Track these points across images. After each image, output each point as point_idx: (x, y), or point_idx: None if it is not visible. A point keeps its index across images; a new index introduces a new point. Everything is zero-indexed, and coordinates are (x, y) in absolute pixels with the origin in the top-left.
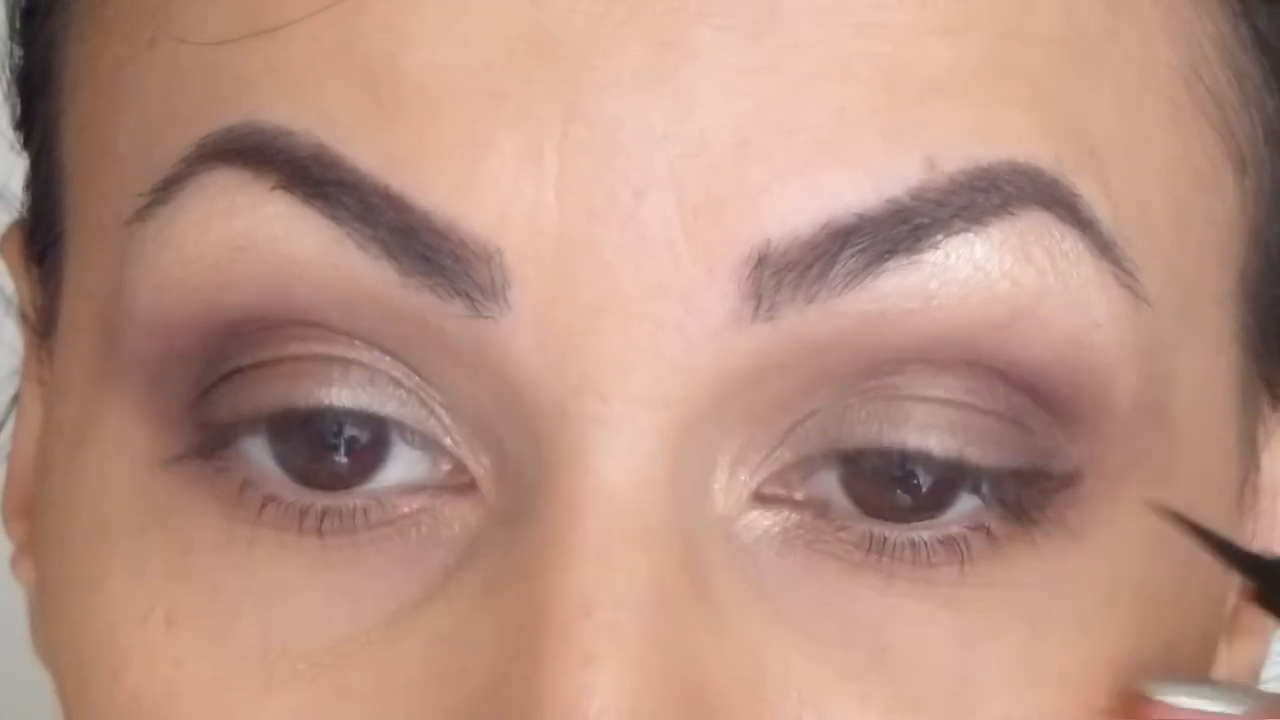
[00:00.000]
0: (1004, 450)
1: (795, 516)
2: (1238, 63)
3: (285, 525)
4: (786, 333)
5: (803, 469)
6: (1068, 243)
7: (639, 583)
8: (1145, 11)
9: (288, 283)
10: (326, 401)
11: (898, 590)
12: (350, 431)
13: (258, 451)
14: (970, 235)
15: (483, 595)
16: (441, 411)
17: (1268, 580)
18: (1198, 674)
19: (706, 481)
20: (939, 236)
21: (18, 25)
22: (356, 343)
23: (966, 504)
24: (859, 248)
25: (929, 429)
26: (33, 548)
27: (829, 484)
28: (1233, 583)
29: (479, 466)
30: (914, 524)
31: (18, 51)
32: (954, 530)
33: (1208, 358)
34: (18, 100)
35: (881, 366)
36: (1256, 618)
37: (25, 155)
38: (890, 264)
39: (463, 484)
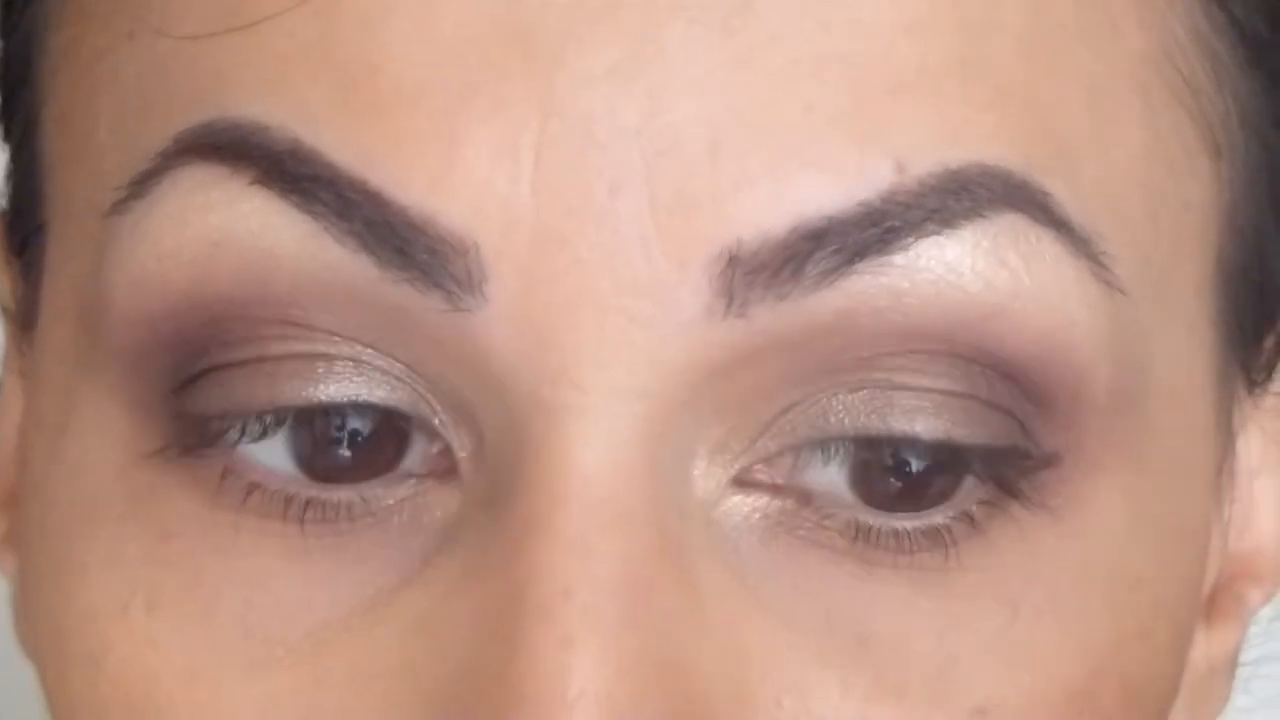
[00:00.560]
0: (988, 428)
1: (777, 503)
2: (1211, 47)
3: (269, 513)
4: (759, 328)
5: (788, 458)
6: (1043, 244)
7: (617, 567)
8: (1115, 0)
9: (266, 276)
10: (317, 398)
11: (878, 578)
12: (354, 424)
13: (252, 447)
14: (941, 238)
15: (461, 580)
16: (429, 396)
17: None
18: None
19: (686, 469)
20: (910, 239)
21: None
22: (336, 338)
23: (959, 487)
24: (830, 249)
25: (915, 413)
26: (14, 538)
27: (814, 472)
28: (1210, 569)
29: (461, 450)
30: (899, 513)
31: None
32: (938, 520)
33: (1185, 344)
34: None
35: (859, 359)
36: (1234, 604)
37: (4, 147)
38: (860, 265)
39: (445, 470)
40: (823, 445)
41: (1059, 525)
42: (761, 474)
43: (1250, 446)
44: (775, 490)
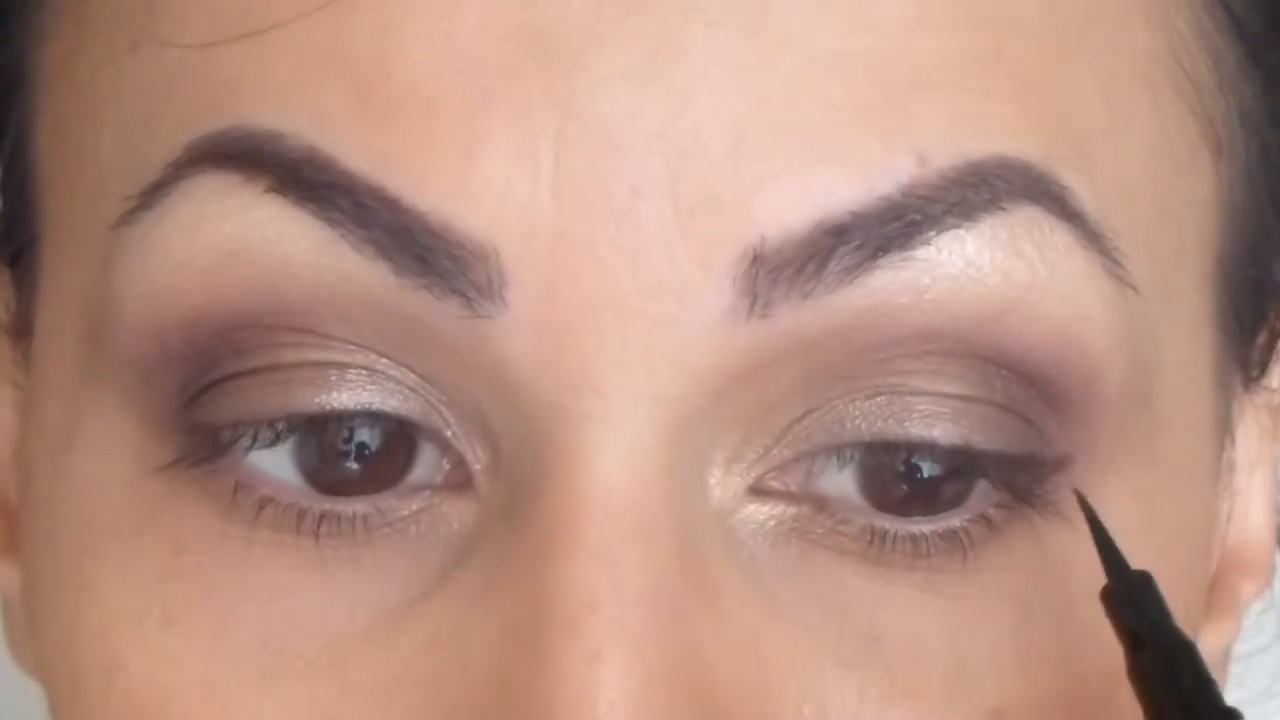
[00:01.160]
0: (1005, 434)
1: (792, 510)
2: (1213, 46)
3: (282, 526)
4: (782, 329)
5: (804, 465)
6: (1057, 235)
7: (640, 578)
8: None
9: (281, 285)
10: (329, 406)
11: (890, 579)
12: (361, 436)
13: (262, 458)
14: (961, 231)
15: (483, 591)
16: (441, 407)
17: (1119, 582)
18: None
19: (703, 476)
20: (931, 233)
21: None
22: (350, 346)
23: (972, 491)
24: (853, 245)
25: (933, 419)
26: (12, 550)
27: (829, 478)
28: (1211, 567)
29: (476, 462)
30: (915, 518)
31: None
32: (955, 523)
33: (1189, 341)
34: None
35: (877, 362)
36: (1227, 597)
37: None
38: (883, 261)
39: (459, 481)
40: (838, 451)
41: (1070, 528)
42: (776, 481)
43: (1247, 439)
44: (790, 498)
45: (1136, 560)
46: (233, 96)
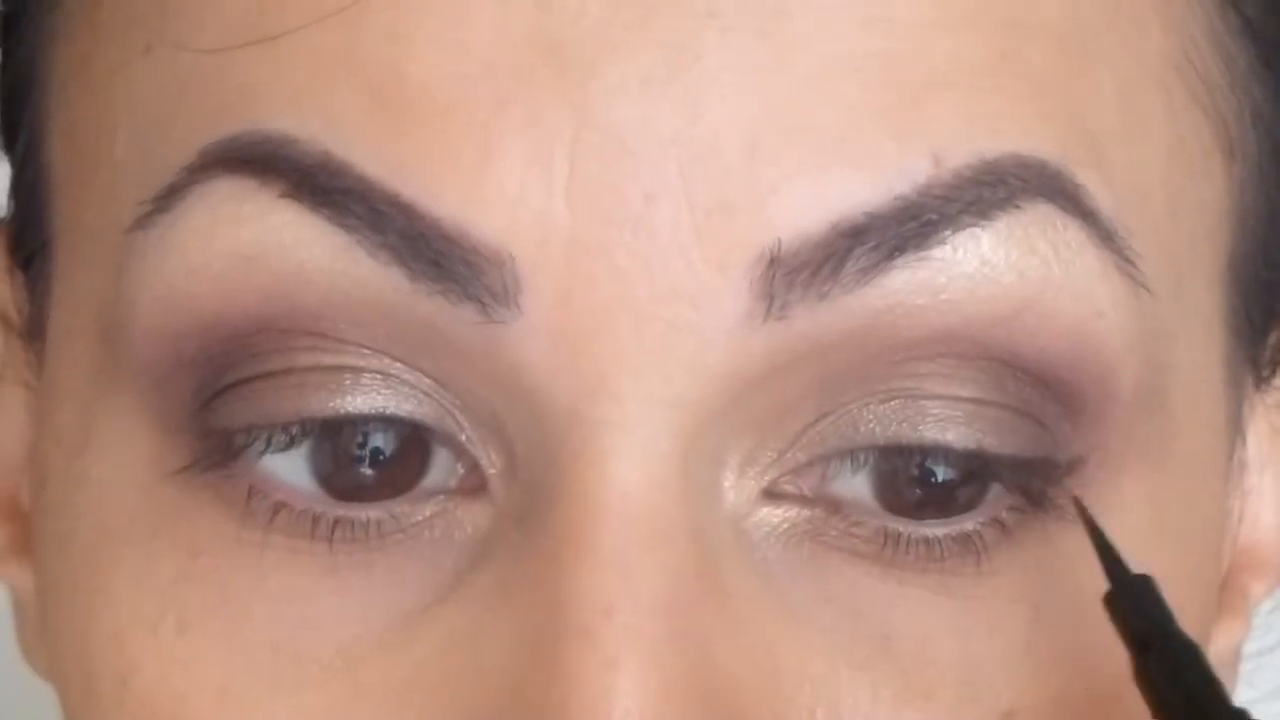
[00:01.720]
0: (1018, 437)
1: (806, 513)
2: (1226, 49)
3: (296, 532)
4: (798, 331)
5: (817, 469)
6: (1070, 233)
7: (656, 584)
8: (1140, 1)
9: (295, 290)
10: (343, 409)
11: (903, 581)
12: (376, 441)
13: (276, 463)
14: (977, 230)
15: (497, 596)
16: (456, 412)
17: (1121, 586)
18: None
19: (717, 480)
20: (947, 232)
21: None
22: (365, 351)
23: (985, 494)
24: (869, 246)
25: (947, 423)
26: (22, 551)
27: (842, 482)
28: (1223, 567)
29: (491, 467)
30: (929, 521)
31: None
32: (969, 526)
33: (1201, 342)
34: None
35: (891, 365)
36: (1238, 597)
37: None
38: (899, 261)
39: (474, 486)
40: (852, 454)
41: (1081, 529)
42: (790, 485)
43: (1258, 439)
44: (804, 501)
45: (1148, 561)
46: (246, 101)
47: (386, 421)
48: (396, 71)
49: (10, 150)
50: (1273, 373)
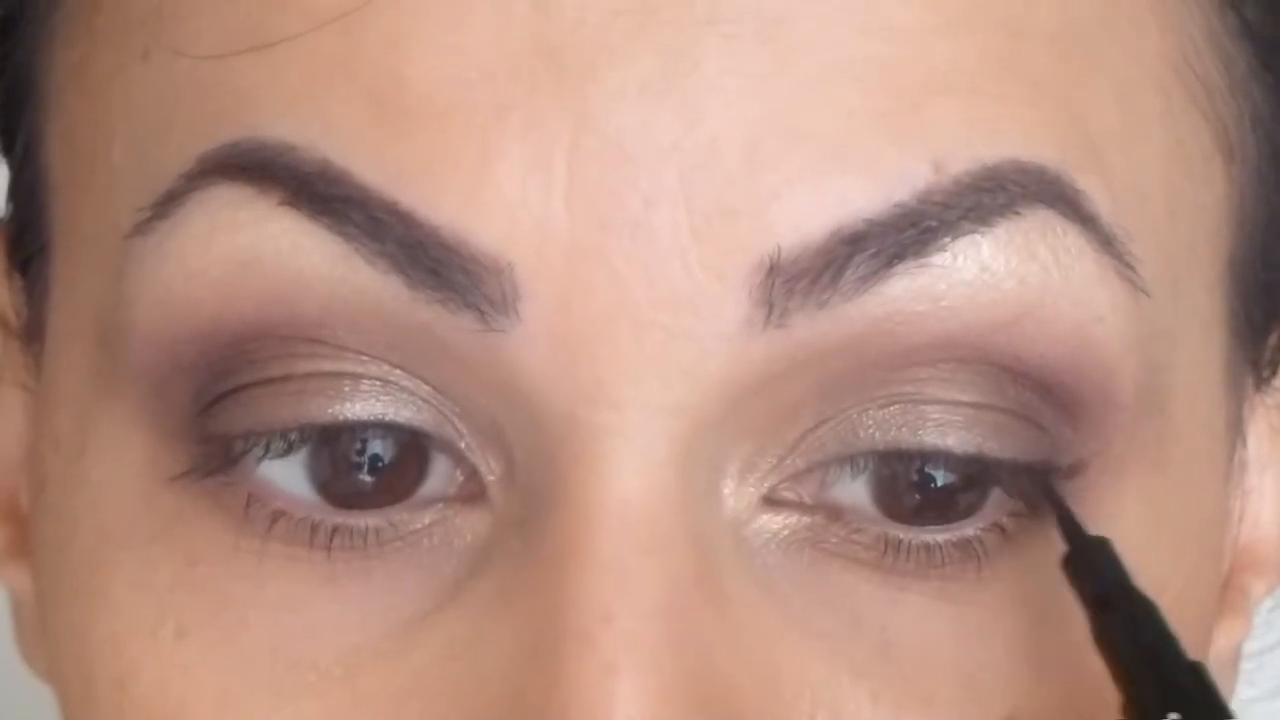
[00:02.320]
0: (1018, 442)
1: (806, 520)
2: (1225, 51)
3: (294, 540)
4: (798, 339)
5: (817, 475)
6: (1070, 239)
7: (655, 591)
8: (1138, 2)
9: (294, 297)
10: (342, 416)
11: (902, 587)
12: (374, 448)
13: (274, 470)
14: (977, 236)
15: (497, 603)
16: (455, 418)
17: (1078, 549)
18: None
19: (717, 487)
20: (946, 239)
21: None
22: (364, 357)
23: (986, 500)
24: (869, 253)
25: (947, 428)
26: (21, 553)
27: (844, 489)
28: (1224, 568)
29: (490, 474)
30: (929, 527)
31: None
32: (969, 532)
33: (1200, 344)
34: None
35: (891, 371)
36: (1238, 596)
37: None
38: (899, 268)
39: (473, 493)
40: (851, 460)
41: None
42: (789, 492)
43: (1259, 440)
44: (804, 508)
45: (1149, 562)
46: (244, 107)
47: (385, 428)
48: (395, 77)
49: (9, 153)
50: (1273, 373)
